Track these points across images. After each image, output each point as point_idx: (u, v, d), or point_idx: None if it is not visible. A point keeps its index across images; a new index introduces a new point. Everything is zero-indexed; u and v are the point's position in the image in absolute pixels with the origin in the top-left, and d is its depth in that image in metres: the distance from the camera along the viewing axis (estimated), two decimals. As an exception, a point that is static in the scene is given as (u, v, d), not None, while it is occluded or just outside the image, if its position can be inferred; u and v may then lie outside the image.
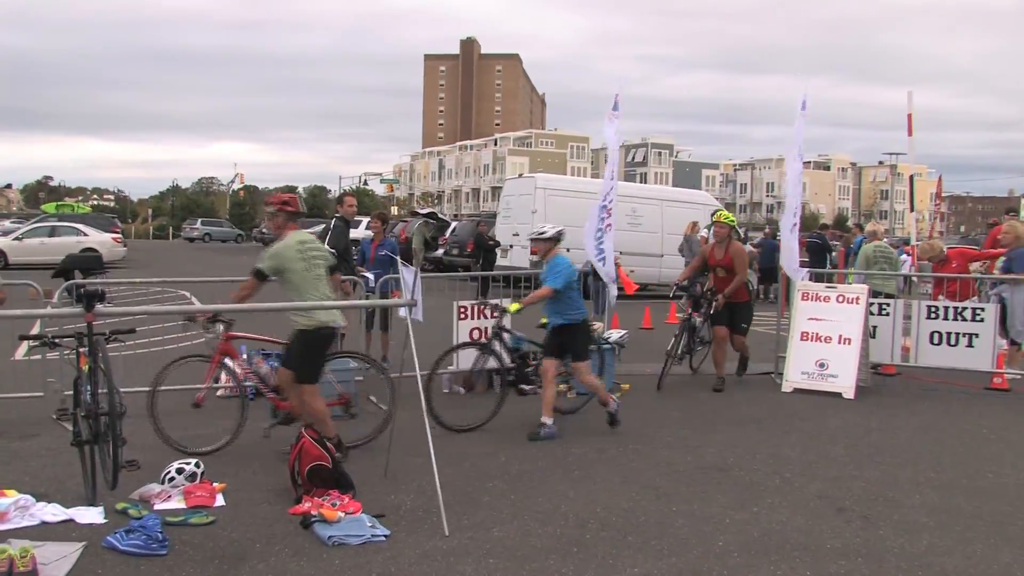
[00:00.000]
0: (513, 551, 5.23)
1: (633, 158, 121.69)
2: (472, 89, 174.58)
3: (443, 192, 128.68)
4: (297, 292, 6.93)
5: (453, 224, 33.10)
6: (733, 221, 11.00)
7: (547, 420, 8.06)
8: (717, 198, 39.71)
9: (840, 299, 10.72)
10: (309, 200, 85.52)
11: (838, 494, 6.51)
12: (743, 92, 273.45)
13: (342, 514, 5.57)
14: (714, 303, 10.51)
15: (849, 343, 10.40)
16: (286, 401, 7.27)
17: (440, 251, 29.92)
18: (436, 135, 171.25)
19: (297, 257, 6.93)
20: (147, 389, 7.30)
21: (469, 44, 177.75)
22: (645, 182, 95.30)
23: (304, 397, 7.01)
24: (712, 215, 11.89)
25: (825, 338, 10.57)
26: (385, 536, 5.39)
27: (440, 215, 39.37)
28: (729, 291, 10.44)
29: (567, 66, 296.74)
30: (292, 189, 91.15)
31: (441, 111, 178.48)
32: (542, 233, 8.14)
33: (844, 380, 10.27)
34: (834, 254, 23.57)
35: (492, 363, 8.71)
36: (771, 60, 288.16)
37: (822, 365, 10.45)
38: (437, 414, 7.93)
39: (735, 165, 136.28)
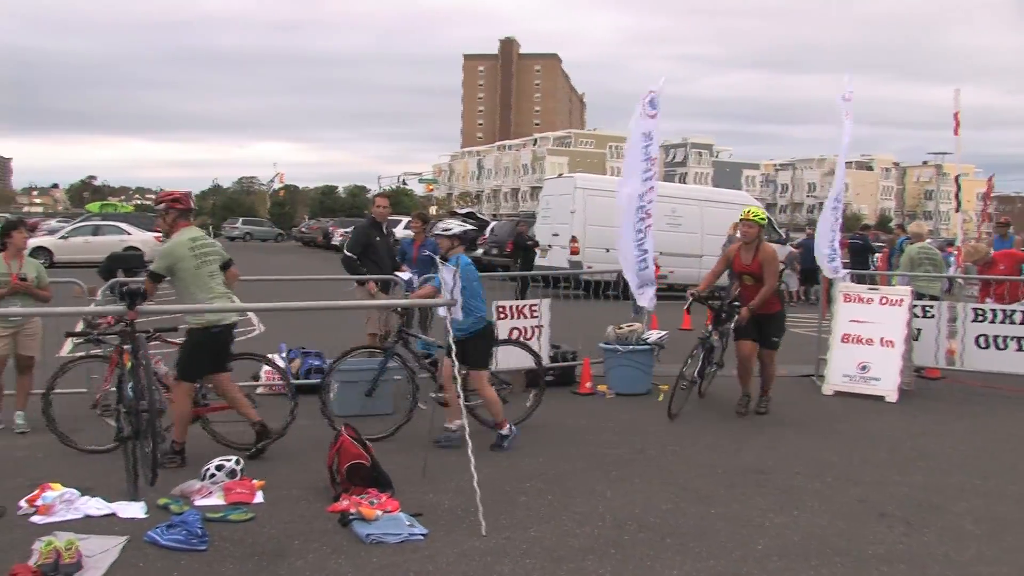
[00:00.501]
0: (551, 551, 5.22)
1: (673, 158, 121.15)
2: (511, 89, 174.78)
3: (482, 192, 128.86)
4: (188, 291, 6.90)
5: (492, 224, 33.13)
6: (764, 220, 9.46)
7: (504, 431, 7.61)
8: (757, 198, 39.40)
9: (883, 301, 10.57)
10: (348, 200, 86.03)
11: (880, 499, 6.41)
12: (784, 91, 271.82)
13: (380, 512, 5.59)
14: (736, 317, 9.01)
15: (892, 346, 10.25)
16: (196, 406, 7.22)
17: (479, 251, 29.95)
18: (475, 135, 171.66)
19: (188, 255, 6.86)
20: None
21: (508, 44, 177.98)
22: (685, 182, 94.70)
23: (175, 392, 7.00)
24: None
25: (867, 340, 10.43)
26: (423, 535, 5.39)
27: (479, 215, 39.48)
28: (756, 303, 8.91)
29: (606, 66, 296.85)
30: (332, 189, 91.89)
31: (480, 111, 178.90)
32: (446, 230, 7.79)
33: (886, 383, 10.12)
34: (877, 255, 23.28)
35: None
36: (812, 58, 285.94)
37: (864, 368, 10.31)
38: (336, 421, 7.62)
39: (776, 165, 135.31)
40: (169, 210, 7.01)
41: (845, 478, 6.94)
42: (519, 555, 5.15)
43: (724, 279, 9.75)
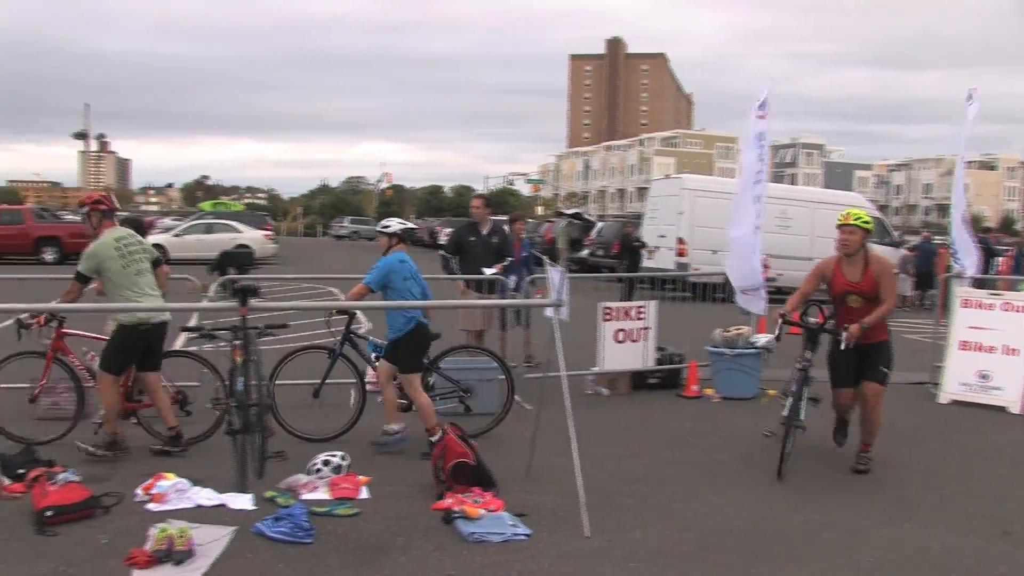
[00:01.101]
0: (654, 555, 5.14)
1: (782, 159, 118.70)
2: (618, 89, 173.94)
3: (588, 192, 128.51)
4: (116, 289, 6.92)
5: (599, 225, 32.98)
6: (869, 224, 7.10)
7: (392, 427, 7.43)
8: (870, 200, 38.22)
9: (1006, 307, 10.10)
10: (455, 199, 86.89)
11: (1003, 515, 6.12)
12: (898, 89, 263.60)
13: (484, 511, 5.60)
14: (844, 337, 6.87)
15: (1016, 354, 9.78)
16: (130, 401, 7.33)
17: (585, 251, 29.86)
18: (582, 135, 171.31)
19: (114, 255, 6.89)
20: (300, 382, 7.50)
21: (615, 44, 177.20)
22: (794, 183, 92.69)
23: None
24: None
25: (988, 348, 9.99)
26: (526, 535, 5.38)
27: (585, 215, 39.35)
28: (872, 320, 6.90)
29: (714, 65, 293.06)
30: (438, 189, 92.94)
31: (587, 111, 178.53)
32: (386, 227, 7.64)
33: (1009, 393, 9.68)
34: (999, 259, 22.34)
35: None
36: (930, 53, 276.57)
37: (984, 376, 9.88)
38: (287, 422, 7.60)
39: (889, 165, 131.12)
40: (92, 212, 7.10)
41: (963, 491, 6.66)
42: (622, 558, 5.09)
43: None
